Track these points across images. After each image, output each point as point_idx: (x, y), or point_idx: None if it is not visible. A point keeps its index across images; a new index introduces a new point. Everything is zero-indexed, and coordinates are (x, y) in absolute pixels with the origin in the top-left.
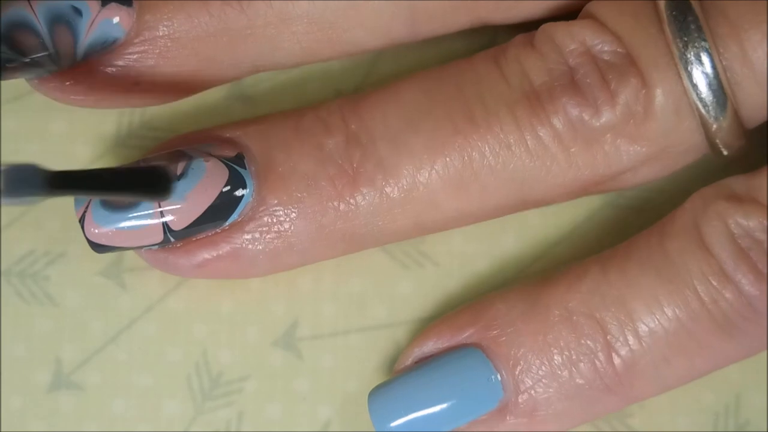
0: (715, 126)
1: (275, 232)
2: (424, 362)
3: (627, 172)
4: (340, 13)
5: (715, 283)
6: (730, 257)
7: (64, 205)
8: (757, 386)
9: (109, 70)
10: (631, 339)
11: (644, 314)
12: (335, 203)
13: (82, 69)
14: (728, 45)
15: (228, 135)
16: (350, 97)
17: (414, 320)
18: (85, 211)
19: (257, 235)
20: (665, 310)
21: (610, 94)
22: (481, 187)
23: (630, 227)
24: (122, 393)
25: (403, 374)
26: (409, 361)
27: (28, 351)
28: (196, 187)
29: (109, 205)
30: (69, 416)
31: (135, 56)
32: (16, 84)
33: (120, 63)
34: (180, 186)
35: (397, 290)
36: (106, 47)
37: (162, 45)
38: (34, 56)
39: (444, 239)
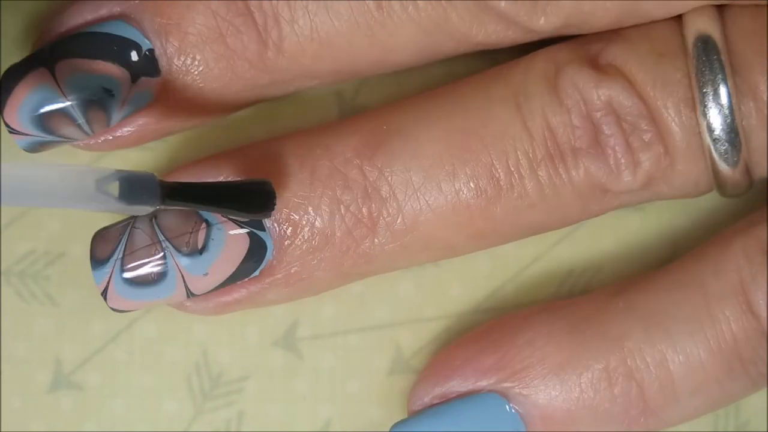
0: (727, 184)
1: (292, 282)
2: (445, 404)
3: (634, 204)
4: (368, 67)
5: (760, 350)
6: None
7: None
8: None
9: (139, 124)
10: (669, 403)
11: (688, 379)
12: (354, 253)
13: (113, 128)
14: (754, 122)
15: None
16: (366, 142)
17: (414, 320)
18: (107, 286)
19: (275, 286)
20: (709, 376)
21: (634, 161)
22: (499, 235)
23: (630, 227)
24: (122, 393)
25: (424, 415)
26: (427, 398)
27: (28, 351)
28: (218, 259)
29: (131, 281)
30: (69, 416)
31: (164, 112)
32: None
33: (149, 119)
34: (202, 259)
35: (397, 290)
36: (138, 111)
37: (191, 105)
38: (68, 135)
39: None
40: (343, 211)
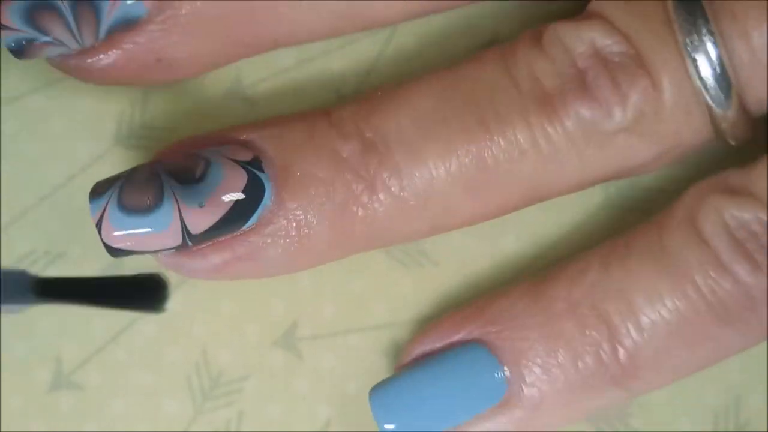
0: (723, 123)
1: (293, 236)
2: (426, 359)
3: (639, 167)
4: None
5: (713, 274)
6: (726, 249)
7: (65, 205)
8: (757, 387)
9: (130, 46)
10: (633, 330)
11: (646, 306)
12: (354, 208)
13: (104, 46)
14: (737, 45)
15: (243, 137)
16: (361, 104)
17: (414, 320)
18: (101, 216)
19: (275, 238)
20: (666, 302)
21: (621, 96)
22: (496, 191)
23: (630, 227)
24: (122, 393)
25: (405, 371)
26: (410, 358)
27: (28, 351)
28: (215, 191)
29: (127, 209)
30: (69, 416)
31: (157, 33)
32: (16, 84)
33: (142, 39)
34: (199, 189)
35: (397, 290)
36: (129, 25)
37: (185, 22)
38: (57, 36)
39: (444, 238)
40: (340, 162)
